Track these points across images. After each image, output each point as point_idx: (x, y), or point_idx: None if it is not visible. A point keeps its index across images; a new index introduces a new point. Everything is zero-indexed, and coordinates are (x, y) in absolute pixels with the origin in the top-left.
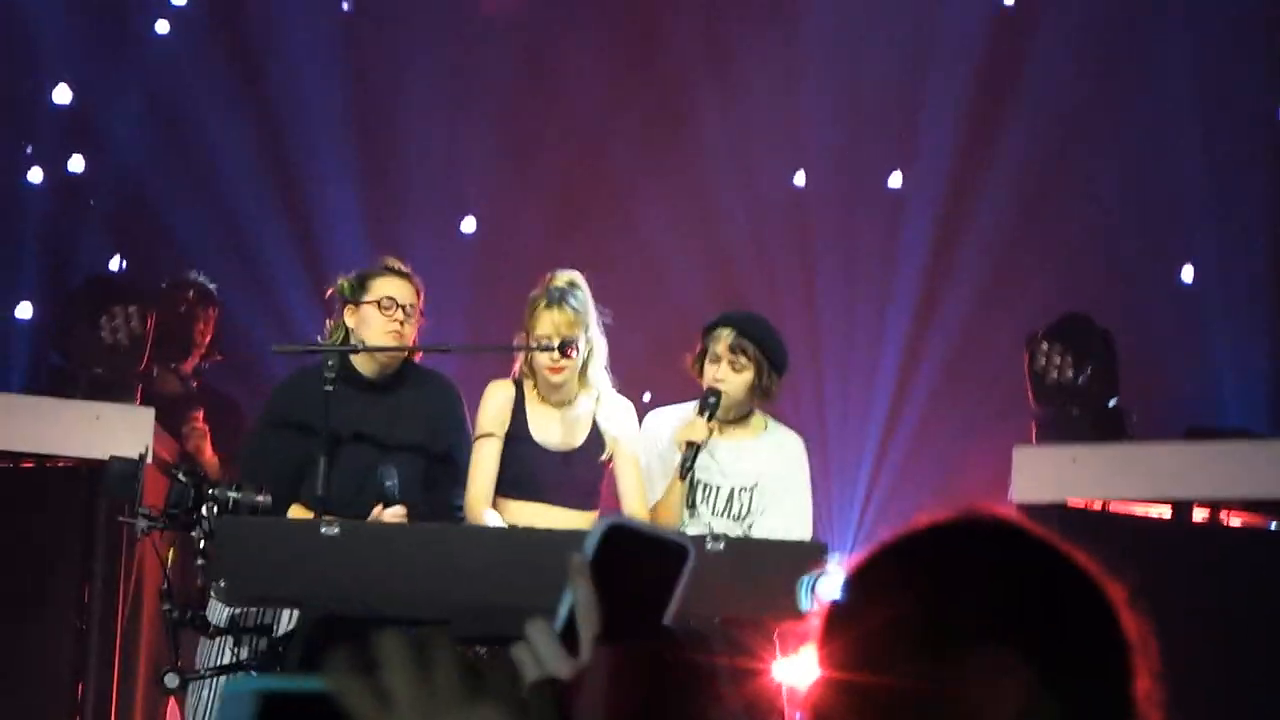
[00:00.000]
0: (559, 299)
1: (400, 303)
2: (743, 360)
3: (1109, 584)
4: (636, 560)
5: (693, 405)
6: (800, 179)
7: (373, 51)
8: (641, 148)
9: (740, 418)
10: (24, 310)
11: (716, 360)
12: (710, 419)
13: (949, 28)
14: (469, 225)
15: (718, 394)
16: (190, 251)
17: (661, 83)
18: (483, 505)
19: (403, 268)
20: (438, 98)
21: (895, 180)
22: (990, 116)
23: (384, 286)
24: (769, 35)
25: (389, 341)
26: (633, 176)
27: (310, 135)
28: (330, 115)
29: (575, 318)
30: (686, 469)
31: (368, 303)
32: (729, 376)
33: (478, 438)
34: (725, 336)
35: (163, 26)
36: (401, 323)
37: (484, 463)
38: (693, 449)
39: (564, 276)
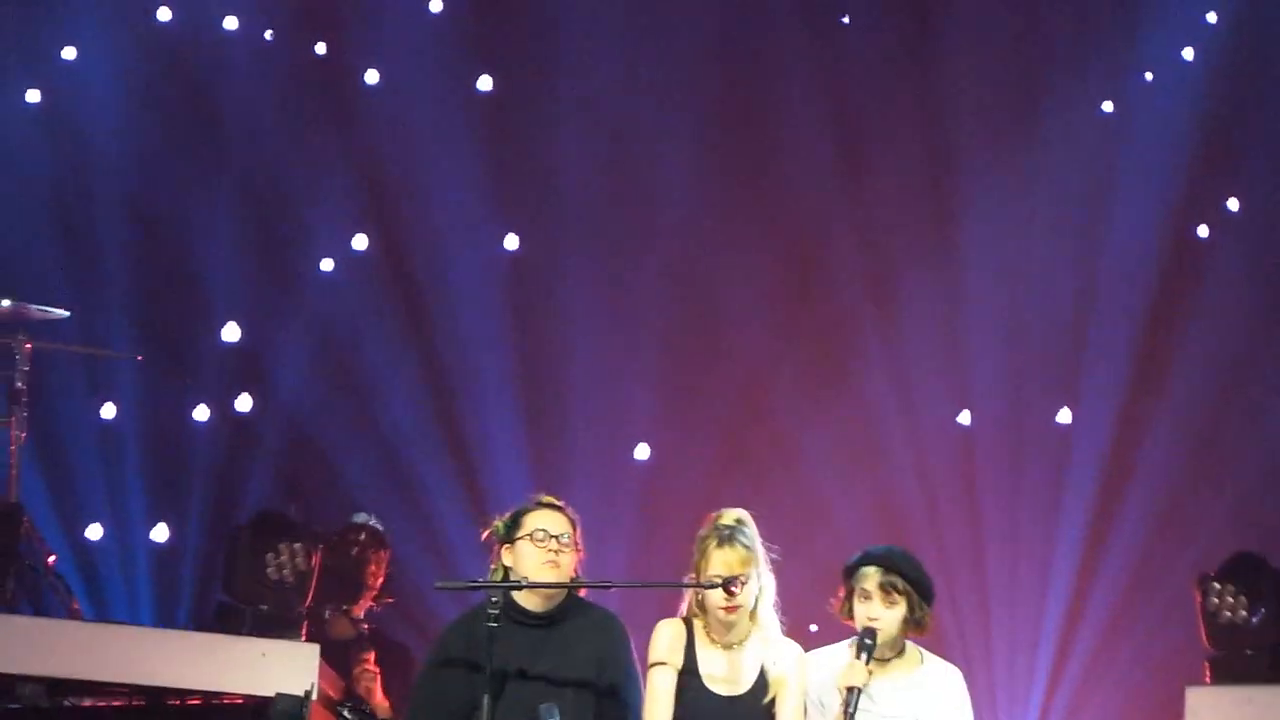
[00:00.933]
0: (730, 537)
1: (553, 533)
2: (894, 595)
3: None
4: None
5: (846, 646)
6: (965, 418)
7: (537, 288)
8: (803, 385)
9: (895, 655)
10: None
11: (867, 598)
12: (868, 660)
13: (1116, 260)
14: (642, 453)
15: (874, 633)
16: (357, 492)
17: (823, 320)
18: None
19: (555, 501)
20: (603, 332)
21: (1063, 416)
22: (1159, 352)
23: (536, 520)
24: (930, 273)
25: (546, 573)
26: (795, 413)
27: (475, 372)
28: (493, 351)
29: (747, 555)
30: (851, 715)
31: (521, 538)
32: (882, 614)
33: (652, 665)
34: (873, 574)
35: (327, 265)
36: (556, 553)
37: (661, 692)
38: (854, 693)
39: (732, 514)
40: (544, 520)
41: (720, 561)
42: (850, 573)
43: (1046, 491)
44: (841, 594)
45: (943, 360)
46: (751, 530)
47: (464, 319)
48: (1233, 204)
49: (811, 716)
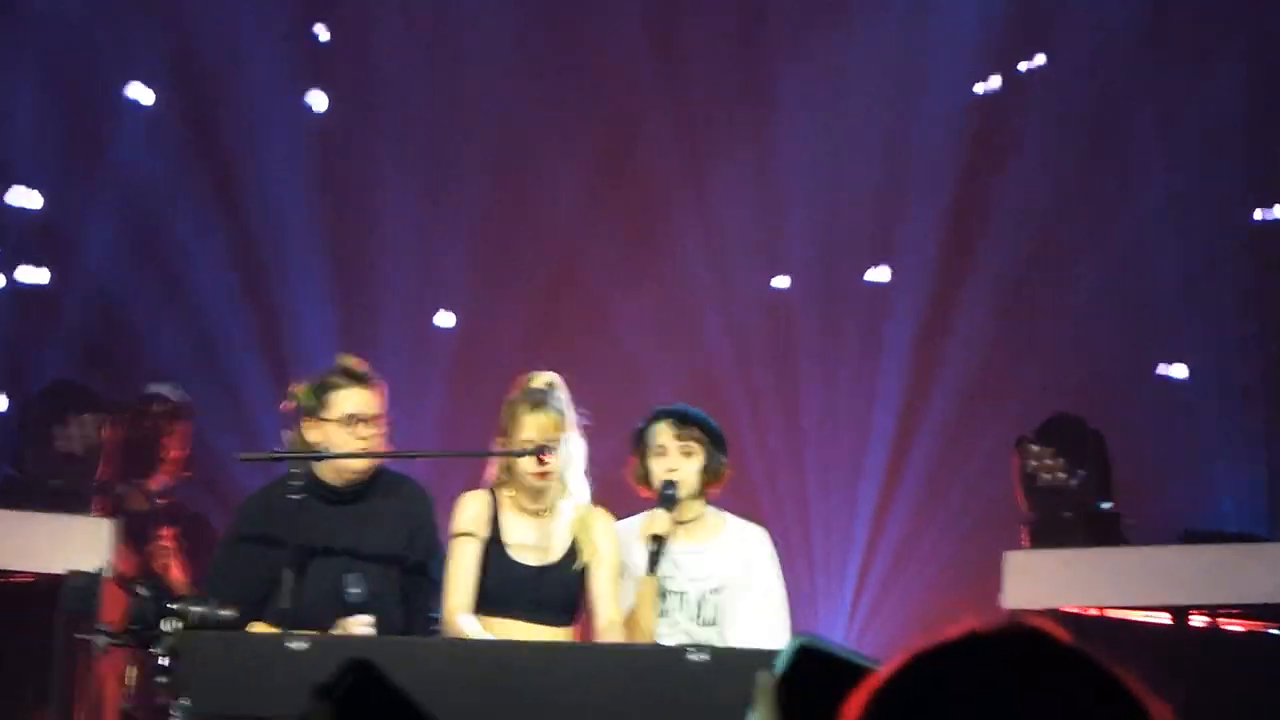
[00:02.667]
0: (541, 400)
1: (364, 416)
2: (690, 444)
3: (1157, 705)
4: (827, 681)
5: (648, 513)
6: (782, 281)
7: (346, 157)
8: (617, 253)
9: (696, 518)
10: None
11: (663, 453)
12: (671, 509)
13: (927, 118)
14: (445, 320)
15: (674, 484)
16: (161, 364)
17: (636, 188)
18: (463, 612)
19: (361, 370)
20: (412, 201)
21: (878, 275)
22: (970, 214)
23: (344, 401)
24: (743, 139)
25: (355, 464)
26: (608, 281)
27: (282, 241)
28: (302, 220)
29: (559, 419)
30: (654, 563)
31: (329, 420)
32: (681, 464)
33: (455, 537)
34: (665, 427)
35: (134, 133)
36: (367, 438)
37: (463, 566)
38: (658, 542)
39: (543, 378)
40: (353, 402)
41: (531, 425)
42: (642, 434)
43: (863, 355)
44: (633, 462)
45: (757, 225)
46: (563, 394)
47: (273, 184)
48: (1040, 59)
49: (625, 586)
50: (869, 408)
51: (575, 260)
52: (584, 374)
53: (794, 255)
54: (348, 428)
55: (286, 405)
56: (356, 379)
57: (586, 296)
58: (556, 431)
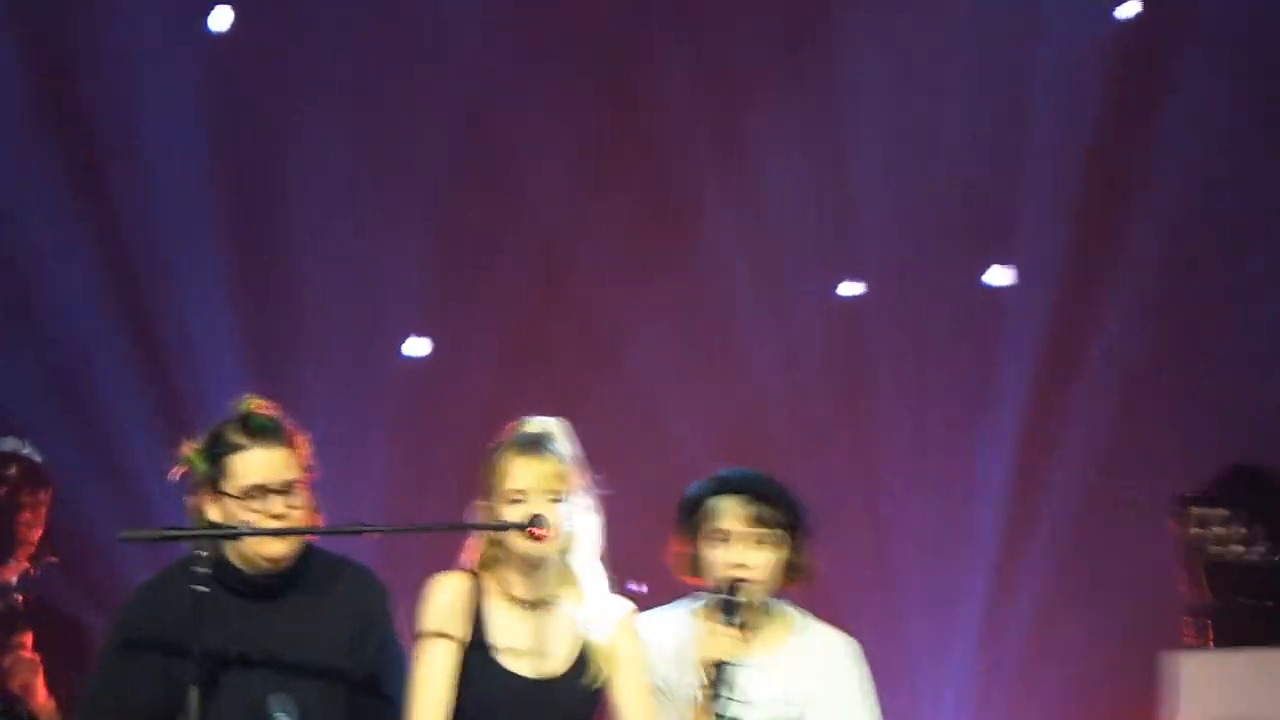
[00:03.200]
0: (535, 444)
1: (274, 486)
2: (765, 533)
3: None
4: None
5: (687, 608)
6: (851, 288)
7: (259, 111)
8: (626, 258)
9: (764, 619)
10: None
11: (725, 540)
12: (738, 623)
13: (1051, 67)
14: (417, 348)
15: (737, 605)
16: (7, 413)
17: (650, 170)
18: None
19: (267, 420)
20: (352, 182)
21: (995, 277)
22: (1113, 196)
23: (246, 468)
24: (794, 99)
25: (268, 549)
26: (616, 296)
27: (171, 236)
28: (198, 206)
29: (561, 469)
30: (719, 699)
31: (230, 496)
32: (751, 559)
33: (424, 638)
34: (733, 506)
35: None
36: (282, 515)
37: (435, 679)
38: (721, 671)
39: (538, 422)
40: (256, 468)
41: (522, 472)
42: (693, 508)
43: (965, 385)
44: (679, 544)
45: (815, 215)
46: (566, 444)
47: (157, 156)
48: None
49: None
50: (973, 458)
51: (569, 264)
52: (585, 422)
53: (868, 254)
54: (255, 502)
55: (177, 472)
56: (262, 434)
57: (586, 316)
58: (560, 483)
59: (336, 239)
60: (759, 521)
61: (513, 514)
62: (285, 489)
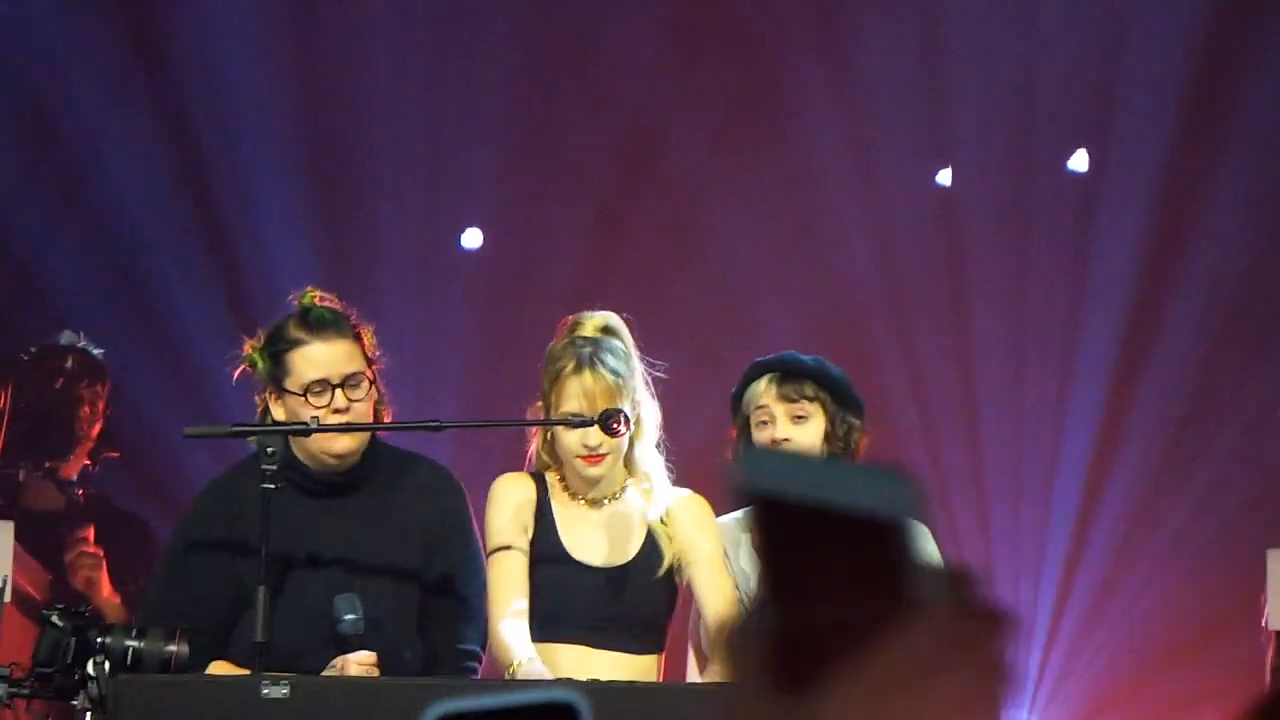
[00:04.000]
0: (590, 359)
1: (335, 381)
2: (804, 405)
3: None
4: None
5: (739, 517)
6: (946, 176)
7: (325, 18)
8: (711, 142)
9: None
10: None
11: (767, 421)
12: None
13: None
14: (472, 240)
15: None
16: (66, 304)
17: (739, 51)
18: (520, 646)
19: (327, 313)
20: (421, 77)
21: (1077, 161)
22: (1217, 87)
23: (306, 363)
24: None
25: (335, 445)
26: (701, 182)
27: (232, 122)
28: (260, 93)
29: (615, 384)
30: None
31: (291, 393)
32: (792, 432)
33: (492, 551)
34: (767, 385)
35: None
36: (345, 409)
37: (510, 581)
38: None
39: (594, 321)
40: (316, 363)
41: (576, 393)
42: (738, 397)
43: (1064, 268)
44: (734, 437)
45: (911, 102)
46: (623, 344)
47: (217, 39)
48: None
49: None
50: (1073, 348)
51: (655, 145)
52: (667, 311)
53: (964, 141)
54: (316, 397)
55: (238, 371)
56: (321, 327)
57: (671, 204)
58: (611, 401)
59: (408, 124)
60: (794, 396)
61: (570, 435)
62: (347, 382)
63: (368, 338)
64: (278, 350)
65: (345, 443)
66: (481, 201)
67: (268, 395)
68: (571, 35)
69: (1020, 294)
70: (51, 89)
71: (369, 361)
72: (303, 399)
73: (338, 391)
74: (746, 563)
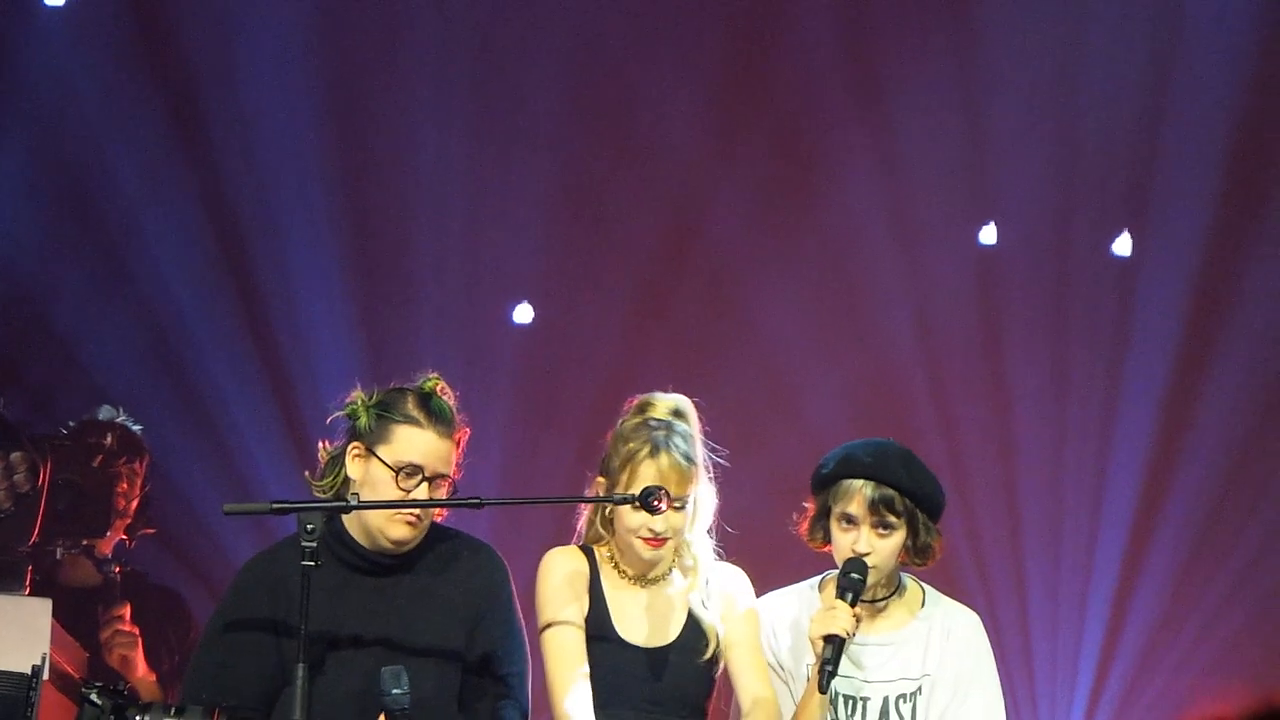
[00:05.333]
0: (666, 442)
1: (428, 474)
2: (890, 518)
3: None
4: None
5: (811, 588)
6: (989, 235)
7: (365, 78)
8: (753, 208)
9: (888, 594)
10: None
11: (851, 524)
12: (854, 602)
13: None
14: (523, 315)
15: (863, 567)
16: (103, 380)
17: (780, 117)
18: (584, 713)
19: (448, 409)
20: (466, 149)
21: (1121, 246)
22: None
23: (413, 444)
24: (937, 39)
25: (399, 533)
26: (742, 251)
27: (274, 195)
28: (303, 167)
29: (688, 470)
30: (828, 674)
31: (383, 461)
32: (874, 543)
33: (548, 627)
34: (860, 489)
35: (49, 38)
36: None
37: (570, 658)
38: (834, 646)
39: (667, 403)
40: (424, 448)
41: (652, 476)
42: (824, 485)
43: (1104, 338)
44: (810, 512)
45: (950, 169)
46: (692, 428)
47: (266, 139)
48: None
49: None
50: (1110, 427)
51: (693, 223)
52: (709, 388)
53: (1004, 208)
54: (404, 481)
55: (333, 417)
56: (440, 419)
57: (711, 275)
58: (683, 488)
59: (451, 200)
60: (885, 509)
61: (635, 516)
62: (435, 479)
63: (461, 445)
64: (388, 417)
65: (407, 532)
66: (526, 278)
67: (350, 449)
68: (613, 111)
69: (1061, 370)
70: (94, 166)
71: (456, 468)
72: (392, 474)
73: (425, 484)
74: (799, 651)
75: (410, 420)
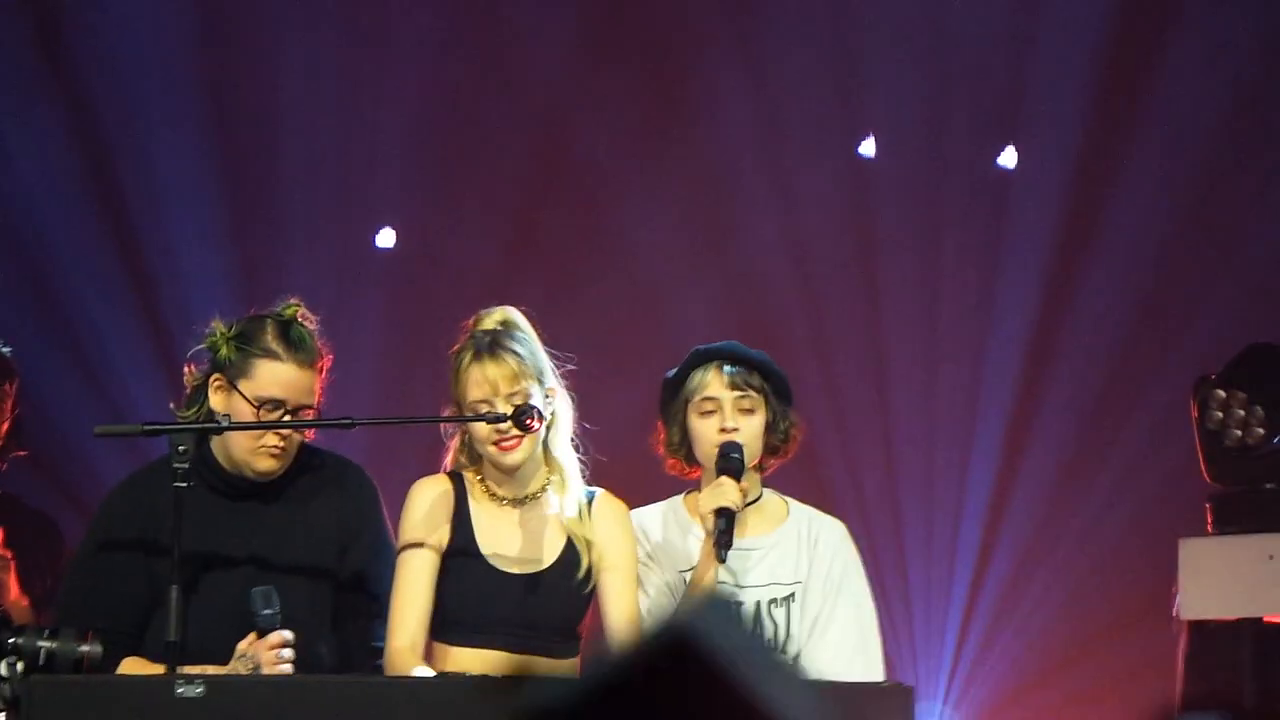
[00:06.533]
0: (491, 345)
1: (289, 406)
2: (752, 396)
3: None
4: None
5: (677, 502)
6: (869, 147)
7: (234, 8)
8: (620, 123)
9: (752, 503)
10: None
11: (712, 409)
12: (738, 478)
13: None
14: (386, 240)
15: (738, 446)
16: None
17: (655, 35)
18: (411, 655)
19: (308, 340)
20: (329, 60)
21: (1006, 158)
22: (1129, 75)
23: (273, 378)
24: None
25: (263, 464)
26: (614, 171)
27: (145, 129)
28: (172, 97)
29: (518, 368)
30: (725, 543)
31: (243, 395)
32: (741, 422)
33: (402, 549)
34: (715, 370)
35: None
36: (286, 437)
37: (413, 588)
38: (725, 518)
39: (494, 315)
40: (284, 381)
41: (479, 380)
42: (676, 388)
43: (976, 262)
44: (663, 434)
45: (821, 85)
46: (526, 334)
47: (130, 53)
48: None
49: (649, 583)
50: (985, 337)
51: (564, 146)
52: (578, 304)
53: (877, 125)
54: (265, 414)
55: (194, 351)
56: (299, 349)
57: (581, 197)
58: (514, 385)
59: (319, 123)
60: (743, 382)
61: (482, 425)
62: (298, 411)
63: (324, 371)
64: (247, 350)
65: (271, 464)
66: (392, 201)
67: (212, 381)
68: (482, 33)
69: (934, 285)
70: None
71: (318, 396)
72: (253, 409)
73: (287, 417)
74: (694, 544)
75: (269, 354)
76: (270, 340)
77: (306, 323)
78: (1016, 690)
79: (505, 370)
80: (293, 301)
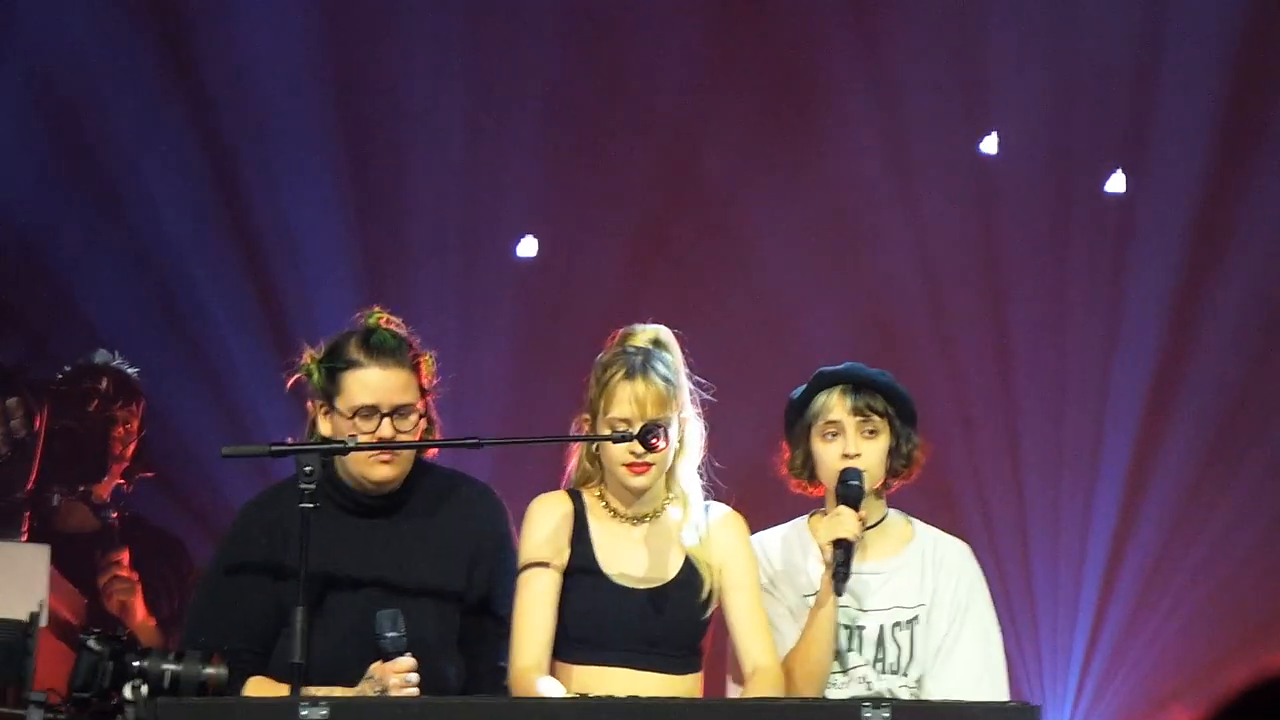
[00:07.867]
0: (643, 366)
1: (384, 409)
2: (873, 420)
3: None
4: None
5: (800, 523)
6: (990, 145)
7: (363, 24)
8: (752, 145)
9: (876, 526)
10: None
11: (835, 434)
12: (857, 506)
13: None
14: (527, 249)
15: (858, 473)
16: (102, 325)
17: (781, 50)
18: (536, 672)
19: (389, 338)
20: (463, 86)
21: (1116, 183)
22: (1261, 75)
23: (360, 386)
24: None
25: (377, 474)
26: (741, 183)
27: (276, 147)
28: (303, 112)
29: (666, 392)
30: (842, 575)
31: (339, 412)
32: (862, 445)
33: (523, 569)
34: (839, 397)
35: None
36: (389, 438)
37: (536, 607)
38: (843, 550)
39: (647, 333)
40: (369, 388)
41: (628, 400)
42: (800, 411)
43: (1105, 270)
44: (787, 454)
45: (948, 94)
46: (674, 356)
47: (261, 76)
48: None
49: (773, 614)
50: (1110, 358)
51: (690, 160)
52: (706, 323)
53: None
54: (362, 423)
55: (292, 380)
56: (381, 352)
57: (708, 209)
58: (662, 409)
59: (449, 138)
60: (866, 408)
61: (616, 445)
62: (396, 412)
63: (426, 367)
64: (334, 367)
65: (385, 471)
66: (525, 212)
67: (318, 408)
68: (607, 44)
69: (1060, 295)
70: (88, 107)
71: (423, 392)
72: (350, 421)
73: (385, 420)
74: (815, 566)
75: (352, 363)
76: (352, 351)
77: (391, 326)
78: (1143, 712)
79: (655, 393)
80: (375, 310)
